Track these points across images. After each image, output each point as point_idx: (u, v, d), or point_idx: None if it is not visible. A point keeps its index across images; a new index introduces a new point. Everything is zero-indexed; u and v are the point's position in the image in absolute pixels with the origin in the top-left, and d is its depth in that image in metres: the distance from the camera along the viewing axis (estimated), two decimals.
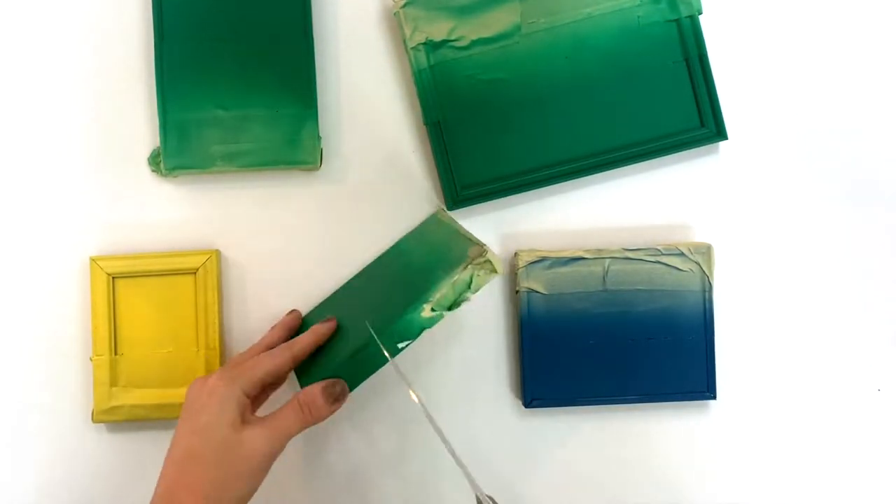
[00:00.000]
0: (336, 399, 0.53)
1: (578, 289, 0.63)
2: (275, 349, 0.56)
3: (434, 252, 0.58)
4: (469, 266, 0.52)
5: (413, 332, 0.52)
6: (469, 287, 0.52)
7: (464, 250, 0.54)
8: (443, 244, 0.58)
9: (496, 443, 0.64)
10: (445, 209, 0.62)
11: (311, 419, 0.53)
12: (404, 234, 0.64)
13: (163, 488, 0.50)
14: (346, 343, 0.56)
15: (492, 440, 0.64)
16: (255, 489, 0.51)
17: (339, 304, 0.62)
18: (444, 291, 0.52)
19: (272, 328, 0.62)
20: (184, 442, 0.51)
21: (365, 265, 0.64)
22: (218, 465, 0.50)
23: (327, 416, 0.53)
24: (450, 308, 0.52)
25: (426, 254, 0.59)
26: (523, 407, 0.63)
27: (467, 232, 0.57)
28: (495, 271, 0.52)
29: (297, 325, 0.62)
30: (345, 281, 0.64)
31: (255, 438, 0.51)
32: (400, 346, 0.52)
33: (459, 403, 0.64)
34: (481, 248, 0.53)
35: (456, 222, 0.60)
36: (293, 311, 0.64)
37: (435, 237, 0.60)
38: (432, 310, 0.52)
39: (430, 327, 0.52)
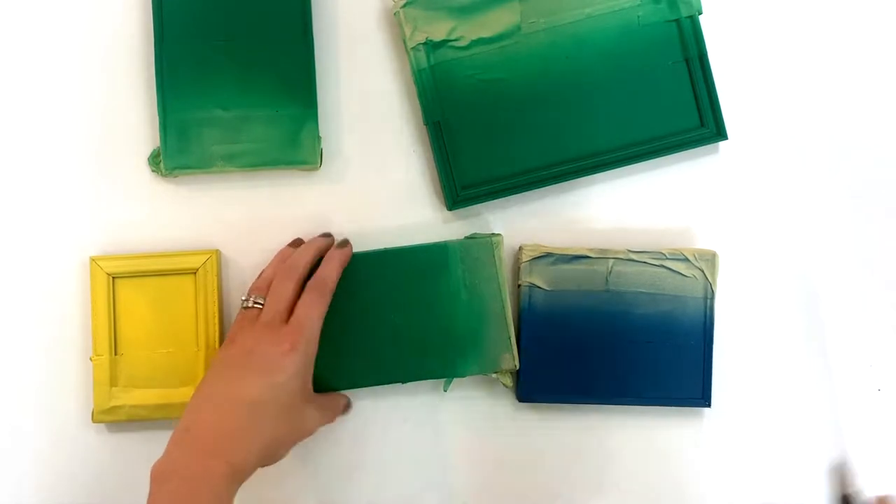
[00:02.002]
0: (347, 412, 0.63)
1: (580, 287, 0.63)
2: (317, 291, 0.57)
3: (477, 310, 0.61)
4: (497, 374, 0.61)
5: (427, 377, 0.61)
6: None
7: (500, 349, 0.60)
8: (488, 309, 0.61)
9: (489, 435, 0.64)
10: (502, 241, 0.62)
11: (332, 421, 0.60)
12: (453, 238, 0.63)
13: (230, 425, 0.52)
14: (369, 346, 0.61)
15: (485, 433, 0.64)
16: (283, 457, 0.55)
17: (365, 287, 0.61)
18: (465, 377, 0.61)
19: (301, 247, 0.61)
20: (255, 390, 0.53)
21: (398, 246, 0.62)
22: (278, 426, 0.53)
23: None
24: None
25: (469, 306, 0.61)
26: (517, 401, 0.63)
27: (508, 301, 0.61)
28: (508, 382, 0.62)
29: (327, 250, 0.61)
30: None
31: (312, 417, 0.56)
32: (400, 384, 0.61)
33: (454, 394, 0.64)
34: (514, 364, 0.60)
35: (505, 270, 0.62)
36: (328, 234, 0.64)
37: (484, 289, 0.61)
38: (450, 381, 0.62)
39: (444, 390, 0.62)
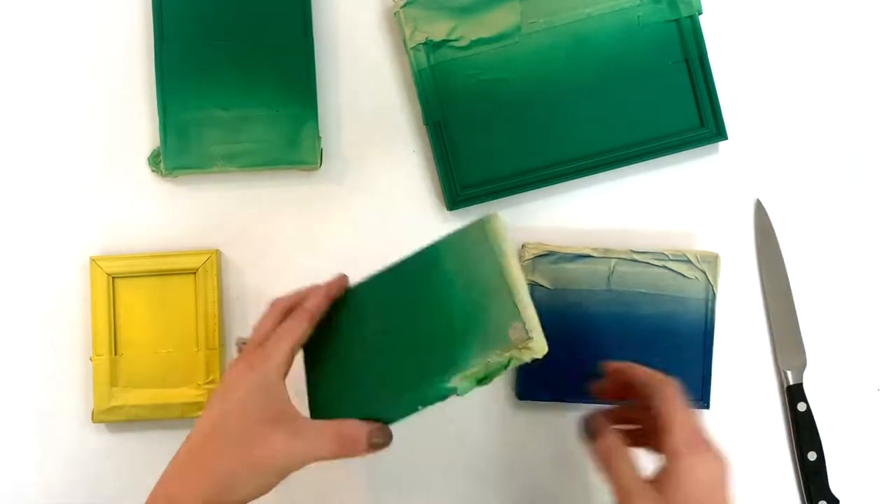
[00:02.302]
0: (377, 448, 0.50)
1: (582, 286, 0.63)
2: (292, 317, 0.52)
3: (474, 294, 0.51)
4: (509, 351, 0.48)
5: (438, 398, 0.49)
6: (505, 367, 0.49)
7: (505, 322, 0.48)
8: (485, 288, 0.50)
9: (488, 432, 0.64)
10: (498, 218, 0.52)
11: (344, 454, 0.49)
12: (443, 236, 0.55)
13: (181, 459, 0.49)
14: (372, 369, 0.53)
15: (484, 430, 0.64)
16: (261, 493, 0.48)
17: (365, 313, 0.55)
18: (476, 369, 0.48)
19: (311, 291, 0.54)
20: (206, 418, 0.49)
21: (389, 264, 0.56)
22: (230, 457, 0.47)
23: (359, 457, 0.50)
24: (480, 382, 0.49)
25: (464, 292, 0.51)
26: (517, 399, 0.63)
27: (513, 271, 0.50)
28: (536, 355, 0.48)
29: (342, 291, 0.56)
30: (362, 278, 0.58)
31: (276, 444, 0.47)
32: (420, 408, 0.50)
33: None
34: (525, 331, 0.48)
35: (503, 243, 0.51)
36: (343, 276, 0.56)
37: (479, 270, 0.51)
38: (462, 379, 0.49)
39: (459, 395, 0.49)
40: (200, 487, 0.47)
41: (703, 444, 0.48)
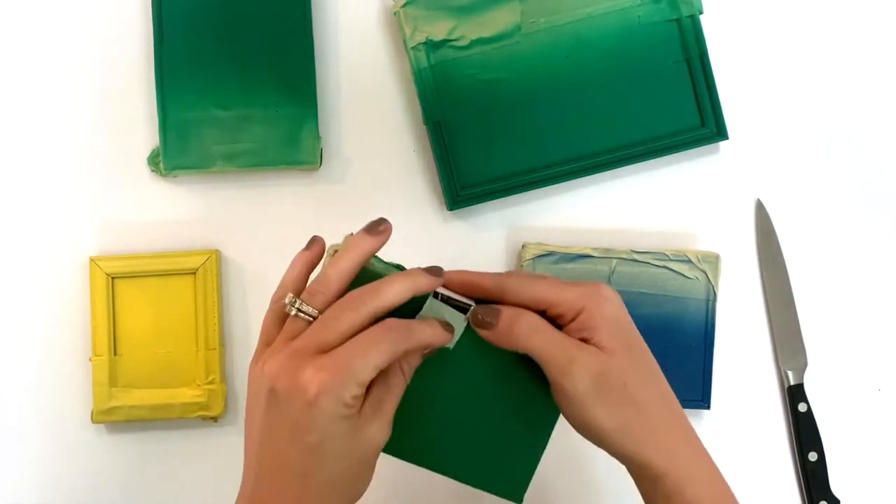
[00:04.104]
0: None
1: None
2: (383, 331, 0.42)
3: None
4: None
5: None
6: None
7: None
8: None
9: None
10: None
11: (406, 383, 0.45)
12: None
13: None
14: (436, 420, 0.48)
15: None
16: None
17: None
18: None
19: (394, 277, 0.45)
20: (294, 460, 0.42)
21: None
22: (342, 478, 0.43)
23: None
24: None
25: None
26: None
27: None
28: None
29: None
30: None
31: (376, 432, 0.43)
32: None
33: None
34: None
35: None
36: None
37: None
38: None
39: None
40: None
41: (591, 286, 0.46)
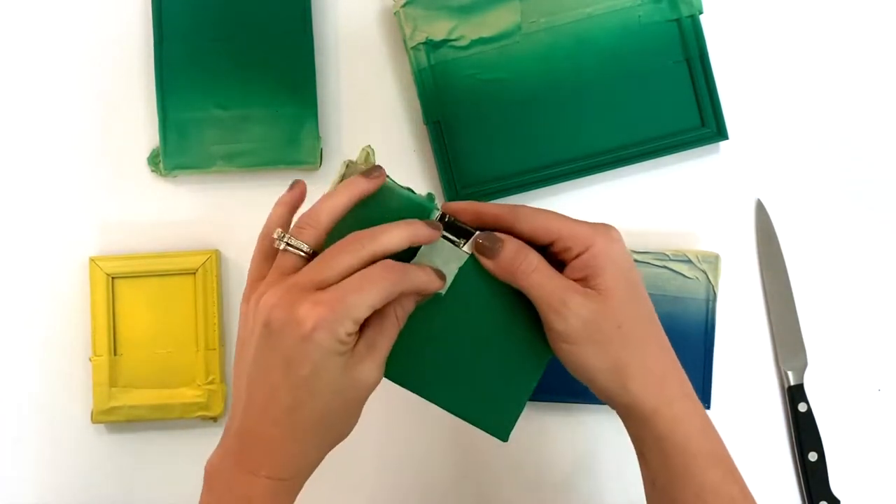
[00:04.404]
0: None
1: None
2: (382, 270, 0.43)
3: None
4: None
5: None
6: None
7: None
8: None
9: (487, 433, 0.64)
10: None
11: (400, 327, 0.46)
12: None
13: (269, 434, 0.43)
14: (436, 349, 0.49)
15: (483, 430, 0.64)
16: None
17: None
18: None
19: (389, 226, 0.45)
20: (283, 394, 0.43)
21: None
22: (330, 415, 0.44)
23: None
24: None
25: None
26: None
27: None
28: None
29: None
30: None
31: (369, 373, 0.44)
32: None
33: None
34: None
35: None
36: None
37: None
38: None
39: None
40: (303, 460, 0.45)
41: (601, 225, 0.47)
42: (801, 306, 0.65)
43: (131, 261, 0.63)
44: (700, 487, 0.45)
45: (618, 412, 0.48)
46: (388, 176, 0.48)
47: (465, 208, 0.48)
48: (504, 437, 0.50)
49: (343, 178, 0.48)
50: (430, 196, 0.48)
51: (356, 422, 0.46)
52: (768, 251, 0.65)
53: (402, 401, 0.63)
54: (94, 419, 0.62)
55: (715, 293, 0.62)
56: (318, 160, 0.63)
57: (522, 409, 0.50)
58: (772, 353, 0.65)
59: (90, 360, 0.62)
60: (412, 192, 0.49)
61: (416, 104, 0.64)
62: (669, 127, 0.63)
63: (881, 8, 0.66)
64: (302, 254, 0.45)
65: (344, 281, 0.43)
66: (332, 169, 0.65)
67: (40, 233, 0.64)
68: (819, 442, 0.63)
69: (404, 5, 0.62)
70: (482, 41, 0.63)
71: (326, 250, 0.44)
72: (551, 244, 0.46)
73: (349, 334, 0.42)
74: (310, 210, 0.46)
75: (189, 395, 0.62)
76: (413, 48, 0.62)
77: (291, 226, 0.47)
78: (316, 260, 0.44)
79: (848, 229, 0.66)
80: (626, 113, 0.63)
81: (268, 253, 0.47)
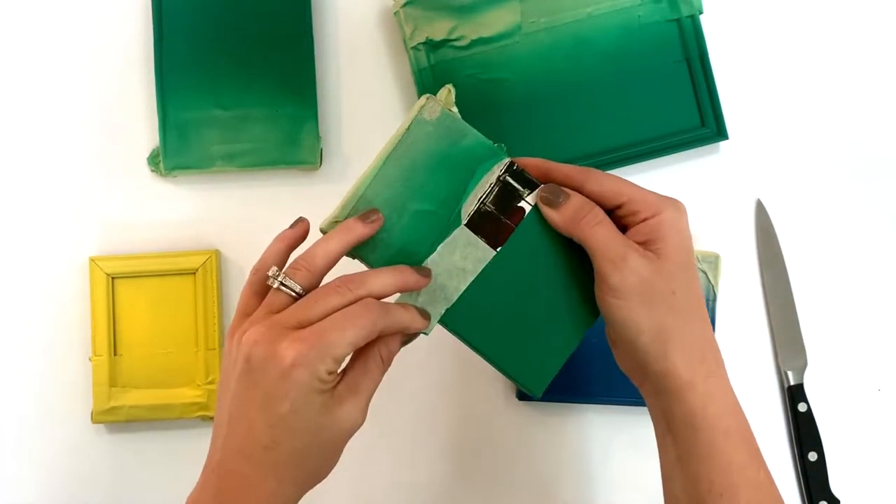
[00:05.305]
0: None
1: None
2: (361, 309, 0.43)
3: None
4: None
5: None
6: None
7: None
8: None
9: (487, 433, 0.64)
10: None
11: (385, 370, 0.46)
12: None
13: (248, 473, 0.43)
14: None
15: (483, 431, 0.64)
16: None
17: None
18: None
19: (380, 271, 0.46)
20: (261, 432, 0.42)
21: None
22: (308, 455, 0.43)
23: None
24: None
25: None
26: (517, 399, 0.64)
27: None
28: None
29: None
30: None
31: (349, 414, 0.44)
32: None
33: (453, 391, 0.64)
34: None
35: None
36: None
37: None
38: None
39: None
40: (282, 498, 0.44)
41: (670, 197, 0.48)
42: (801, 306, 0.65)
43: (131, 261, 0.63)
44: (727, 466, 0.45)
45: (646, 384, 0.48)
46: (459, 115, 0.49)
47: (535, 164, 0.50)
48: (538, 393, 0.50)
49: (421, 110, 0.48)
50: (500, 145, 0.49)
51: (336, 462, 0.46)
52: (768, 251, 0.65)
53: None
54: (94, 419, 0.62)
55: (715, 293, 0.62)
56: (318, 160, 0.63)
57: (559, 368, 0.50)
58: (772, 352, 0.65)
59: (90, 360, 0.62)
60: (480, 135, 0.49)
61: None
62: (669, 127, 0.63)
63: (881, 8, 0.66)
64: (294, 294, 0.45)
65: (325, 319, 0.43)
66: (332, 169, 0.65)
67: (40, 233, 0.64)
68: (819, 442, 0.63)
69: (404, 5, 0.62)
70: (482, 41, 0.63)
71: (313, 291, 0.45)
72: (618, 207, 0.47)
73: (329, 373, 0.42)
74: (306, 252, 0.46)
75: (189, 395, 0.62)
76: (413, 48, 0.62)
77: (287, 263, 0.47)
78: (302, 300, 0.44)
79: (848, 229, 0.66)
80: (626, 113, 0.63)
81: (258, 288, 0.47)
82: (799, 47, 0.66)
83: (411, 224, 0.48)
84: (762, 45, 0.66)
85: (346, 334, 0.42)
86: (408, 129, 0.48)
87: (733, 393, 0.47)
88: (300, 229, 0.50)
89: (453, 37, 0.63)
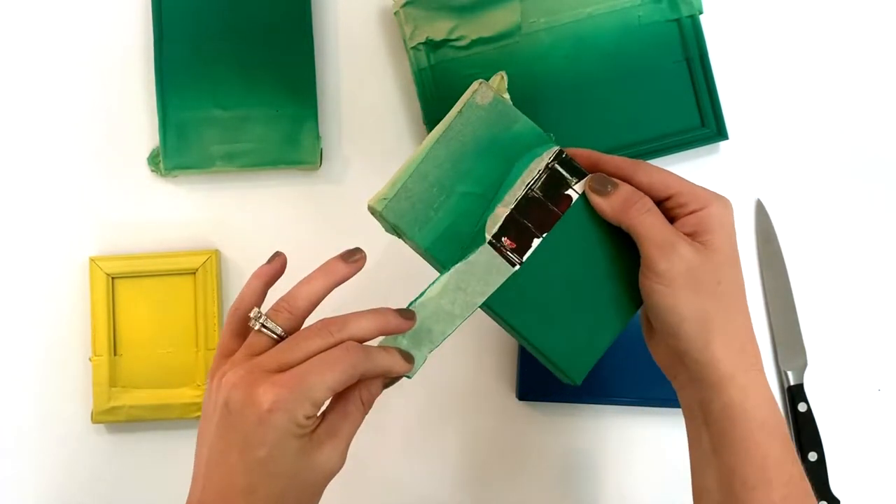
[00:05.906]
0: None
1: None
2: (342, 353, 0.43)
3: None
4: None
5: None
6: None
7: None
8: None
9: (487, 433, 0.64)
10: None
11: (366, 413, 0.46)
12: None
13: None
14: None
15: (483, 431, 0.64)
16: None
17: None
18: None
19: (364, 313, 0.46)
20: (239, 477, 0.42)
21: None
22: (286, 499, 0.43)
23: None
24: None
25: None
26: (517, 399, 0.64)
27: None
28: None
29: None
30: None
31: (328, 458, 0.43)
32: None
33: (454, 391, 0.64)
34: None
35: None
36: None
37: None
38: None
39: None
40: None
41: (717, 193, 0.48)
42: (801, 306, 0.65)
43: (131, 261, 0.63)
44: (763, 459, 0.45)
45: (682, 375, 0.48)
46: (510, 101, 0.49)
47: (585, 154, 0.51)
48: (578, 380, 0.50)
49: (474, 94, 0.49)
50: (550, 134, 0.50)
51: None
52: (768, 251, 0.65)
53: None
54: (94, 419, 0.62)
55: None
56: (318, 160, 0.63)
57: (600, 356, 0.50)
58: (772, 353, 0.65)
59: (90, 360, 0.62)
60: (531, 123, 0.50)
61: (416, 104, 0.64)
62: (669, 127, 0.63)
63: (881, 8, 0.66)
64: (275, 336, 0.44)
65: (304, 363, 0.42)
66: (332, 169, 0.65)
67: (40, 233, 0.64)
68: (819, 442, 0.63)
69: (404, 5, 0.62)
70: (482, 41, 0.63)
71: (294, 334, 0.44)
72: (667, 199, 0.48)
73: (308, 417, 0.42)
74: (288, 294, 0.46)
75: (189, 395, 0.62)
76: (413, 48, 0.62)
77: (265, 302, 0.47)
78: (283, 343, 0.44)
79: (848, 229, 0.66)
80: (626, 113, 0.63)
81: (237, 329, 0.47)
82: (799, 47, 0.66)
83: (459, 204, 0.49)
84: (762, 45, 0.66)
85: (325, 378, 0.42)
86: (459, 112, 0.49)
87: (769, 386, 0.47)
88: (277, 264, 0.49)
89: (453, 37, 0.63)
